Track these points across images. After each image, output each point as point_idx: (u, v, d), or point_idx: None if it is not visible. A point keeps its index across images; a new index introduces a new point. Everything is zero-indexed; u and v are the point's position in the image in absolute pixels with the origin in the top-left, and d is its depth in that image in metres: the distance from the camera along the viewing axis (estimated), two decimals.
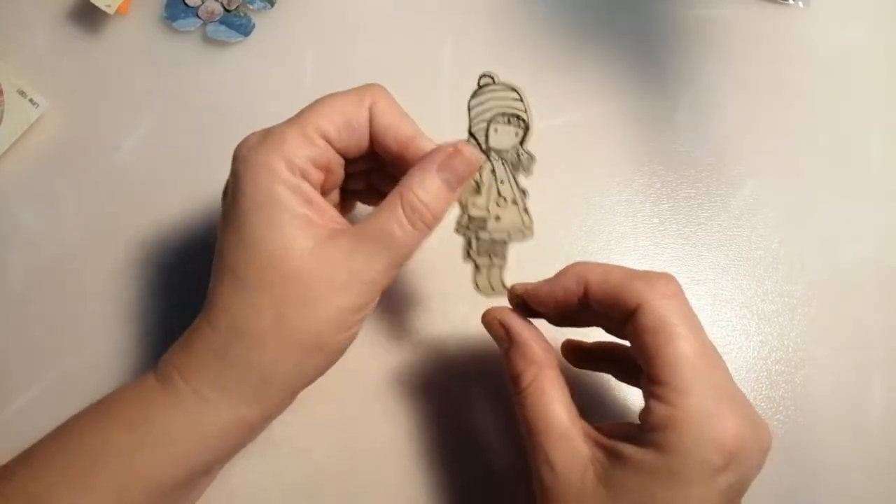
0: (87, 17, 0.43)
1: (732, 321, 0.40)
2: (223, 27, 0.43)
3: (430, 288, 0.40)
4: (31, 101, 0.41)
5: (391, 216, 0.28)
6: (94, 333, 0.39)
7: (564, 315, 0.32)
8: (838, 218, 0.42)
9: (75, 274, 0.40)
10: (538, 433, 0.29)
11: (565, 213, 0.41)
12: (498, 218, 0.33)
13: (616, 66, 0.44)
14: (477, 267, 0.33)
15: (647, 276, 0.29)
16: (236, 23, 0.43)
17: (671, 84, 0.44)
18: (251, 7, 0.44)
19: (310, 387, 0.38)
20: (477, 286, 0.33)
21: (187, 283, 0.40)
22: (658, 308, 0.27)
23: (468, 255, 0.33)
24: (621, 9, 0.45)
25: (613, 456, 0.28)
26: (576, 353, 0.35)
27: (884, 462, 0.38)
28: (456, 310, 0.39)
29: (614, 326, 0.30)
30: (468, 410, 0.38)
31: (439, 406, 0.38)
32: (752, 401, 0.38)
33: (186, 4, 0.43)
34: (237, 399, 0.29)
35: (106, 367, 0.38)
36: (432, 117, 0.42)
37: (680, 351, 0.27)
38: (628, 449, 0.27)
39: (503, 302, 0.33)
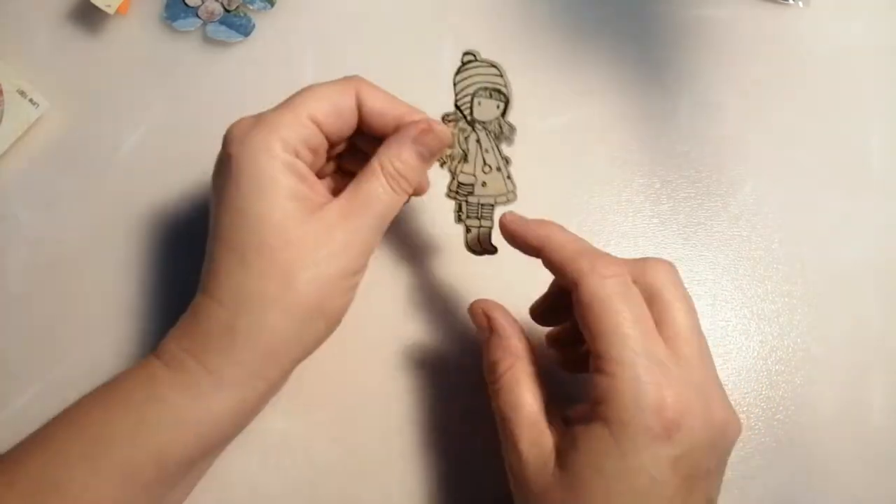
0: (87, 17, 0.43)
1: (732, 321, 0.40)
2: (223, 27, 0.43)
3: (429, 290, 0.40)
4: (31, 101, 0.41)
5: (375, 182, 0.31)
6: (94, 333, 0.39)
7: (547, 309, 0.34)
8: (838, 218, 0.42)
9: (75, 274, 0.40)
10: (508, 421, 0.30)
11: (565, 213, 0.41)
12: (484, 184, 0.36)
13: (616, 66, 0.44)
14: (468, 229, 0.36)
15: (592, 256, 0.30)
16: (236, 23, 0.43)
17: (671, 84, 0.44)
18: (251, 7, 0.44)
19: (310, 385, 0.38)
20: (468, 246, 0.36)
21: (188, 283, 0.39)
22: (593, 285, 0.29)
23: (459, 218, 0.36)
24: (621, 9, 0.45)
25: (569, 439, 0.29)
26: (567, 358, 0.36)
27: (884, 462, 0.38)
28: (455, 313, 0.39)
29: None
30: (471, 410, 0.38)
31: (439, 405, 0.38)
32: (752, 401, 0.39)
33: (186, 4, 0.43)
34: (248, 373, 0.30)
35: (106, 368, 0.38)
36: (431, 117, 0.43)
37: (614, 323, 0.28)
38: (579, 429, 0.29)
39: (493, 262, 0.36)
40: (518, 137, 0.42)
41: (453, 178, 0.36)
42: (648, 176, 0.42)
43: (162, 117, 0.42)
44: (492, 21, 0.45)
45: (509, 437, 0.30)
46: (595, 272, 0.29)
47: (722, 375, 0.39)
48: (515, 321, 0.33)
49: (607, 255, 0.31)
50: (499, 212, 0.36)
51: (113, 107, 0.42)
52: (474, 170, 0.35)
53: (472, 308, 0.33)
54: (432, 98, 0.43)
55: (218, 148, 0.42)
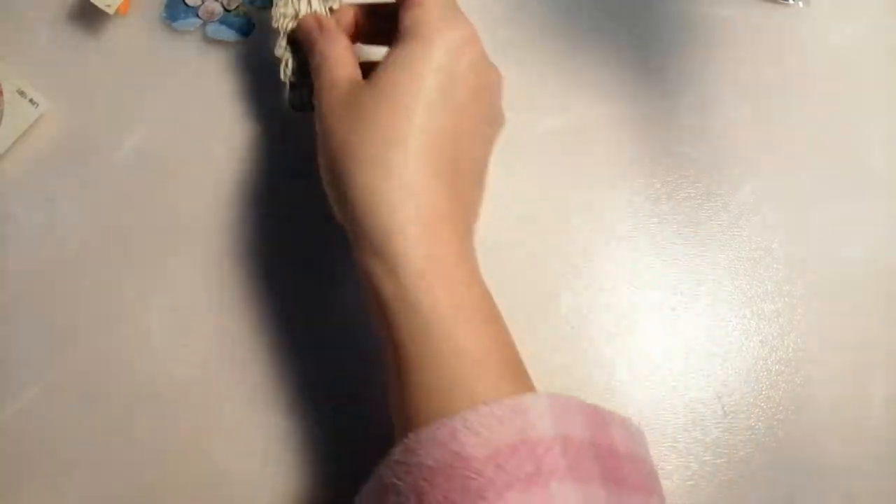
0: (87, 17, 0.43)
1: (732, 321, 0.40)
2: (223, 27, 0.43)
3: None
4: (31, 101, 0.41)
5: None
6: (93, 334, 0.39)
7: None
8: (838, 218, 0.42)
9: (75, 274, 0.40)
10: (329, 66, 0.33)
11: (565, 214, 0.41)
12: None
13: (616, 66, 0.44)
14: (292, 86, 0.38)
15: None
16: (236, 23, 0.43)
17: (671, 84, 0.44)
18: (251, 7, 0.44)
19: (310, 385, 0.38)
20: (290, 102, 0.38)
21: (188, 283, 0.40)
22: None
23: (285, 74, 0.38)
24: (621, 9, 0.45)
25: (380, 63, 0.32)
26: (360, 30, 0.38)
27: (884, 462, 0.38)
28: None
29: None
30: None
31: None
32: (752, 401, 0.39)
33: (186, 4, 0.43)
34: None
35: (105, 368, 0.38)
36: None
37: None
38: (387, 53, 0.32)
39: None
40: (518, 137, 0.43)
41: (283, 35, 0.37)
42: (648, 176, 0.42)
43: (162, 117, 0.42)
44: (492, 20, 0.45)
45: (327, 79, 0.33)
46: None
47: (722, 375, 0.39)
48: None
49: None
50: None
51: (113, 107, 0.42)
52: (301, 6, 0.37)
53: (302, 20, 0.36)
54: None
55: (217, 148, 0.42)
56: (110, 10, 0.42)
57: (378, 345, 0.31)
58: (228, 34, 0.43)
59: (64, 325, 0.39)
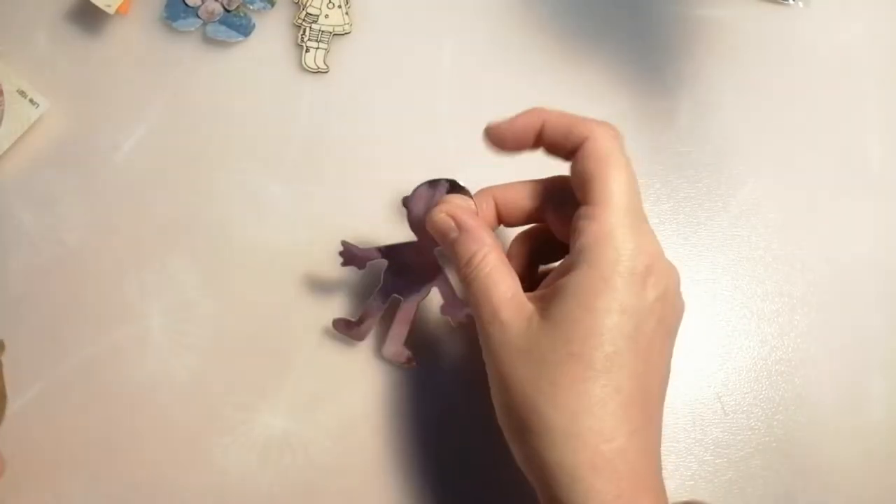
0: (87, 17, 0.43)
1: (732, 321, 0.40)
2: (223, 27, 0.43)
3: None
4: (31, 101, 0.41)
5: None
6: (93, 334, 0.39)
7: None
8: (838, 218, 0.42)
9: (75, 274, 0.40)
10: (489, 298, 0.30)
11: None
12: (327, 16, 0.44)
13: (616, 66, 0.44)
14: (307, 49, 0.43)
15: (592, 119, 0.32)
16: (236, 23, 0.43)
17: (671, 84, 0.44)
18: (251, 7, 0.44)
19: (311, 385, 0.38)
20: (305, 63, 0.43)
21: (188, 283, 0.40)
22: (604, 139, 0.31)
23: (301, 40, 0.43)
24: (621, 9, 0.45)
25: (552, 293, 0.29)
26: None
27: (884, 462, 0.38)
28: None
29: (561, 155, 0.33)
30: (472, 414, 0.38)
31: (441, 405, 0.38)
32: (752, 401, 0.39)
33: (186, 4, 0.43)
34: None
35: (106, 369, 0.38)
36: (432, 117, 0.43)
37: (617, 175, 0.30)
38: (562, 280, 0.29)
39: (325, 78, 0.42)
40: None
41: (303, 9, 0.43)
42: (648, 176, 0.42)
43: (162, 117, 0.42)
44: (492, 21, 0.45)
45: (487, 312, 0.30)
46: (604, 129, 0.31)
47: (722, 375, 0.39)
48: (480, 219, 0.33)
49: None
50: (335, 40, 0.43)
51: (113, 107, 0.42)
52: (321, 5, 0.44)
53: (435, 215, 0.33)
54: (433, 97, 0.43)
55: (217, 148, 0.42)
56: (110, 10, 0.42)
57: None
58: (228, 34, 0.43)
59: (64, 325, 0.39)
